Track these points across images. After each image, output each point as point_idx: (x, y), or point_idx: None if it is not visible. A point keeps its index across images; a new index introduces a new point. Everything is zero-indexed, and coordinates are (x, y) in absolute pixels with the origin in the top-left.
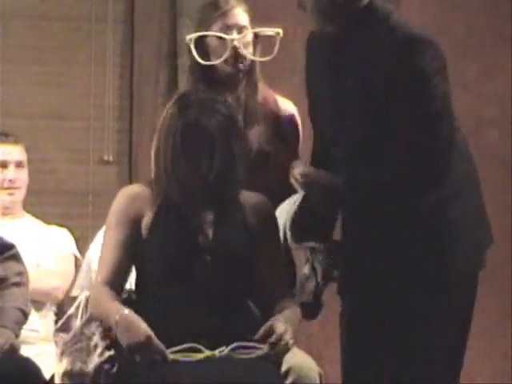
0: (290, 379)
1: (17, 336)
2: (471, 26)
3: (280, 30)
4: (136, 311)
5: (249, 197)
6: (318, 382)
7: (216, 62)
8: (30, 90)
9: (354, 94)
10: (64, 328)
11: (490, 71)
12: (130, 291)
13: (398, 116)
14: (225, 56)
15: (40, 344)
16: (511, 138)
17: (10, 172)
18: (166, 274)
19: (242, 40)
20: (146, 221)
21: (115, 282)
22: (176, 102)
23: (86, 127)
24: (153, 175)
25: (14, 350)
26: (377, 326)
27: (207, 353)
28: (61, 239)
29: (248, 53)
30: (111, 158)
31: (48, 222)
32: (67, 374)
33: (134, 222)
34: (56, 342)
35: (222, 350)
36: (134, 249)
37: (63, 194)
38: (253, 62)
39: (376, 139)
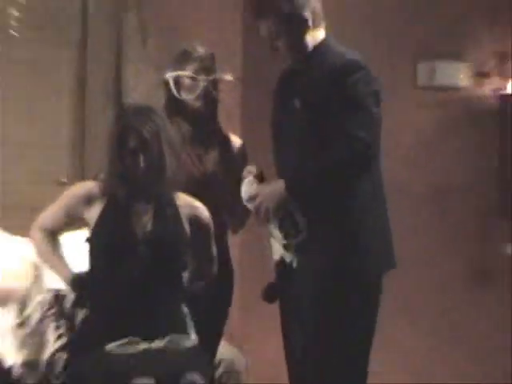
0: (220, 369)
1: None
2: (375, 44)
3: (239, 76)
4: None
5: (185, 199)
6: (244, 371)
7: (191, 97)
8: (1, 123)
9: (303, 110)
10: (23, 324)
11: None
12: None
13: (333, 127)
14: (197, 93)
15: (2, 336)
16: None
17: None
18: (106, 264)
19: (210, 81)
20: (93, 213)
21: (47, 228)
22: (117, 112)
23: (46, 154)
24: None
25: None
26: (300, 309)
27: (144, 345)
28: (23, 247)
29: (215, 92)
30: (66, 180)
31: (13, 233)
32: (25, 364)
33: (82, 201)
34: (15, 336)
35: (158, 343)
36: (71, 216)
37: (26, 209)
38: (216, 99)
39: (316, 144)
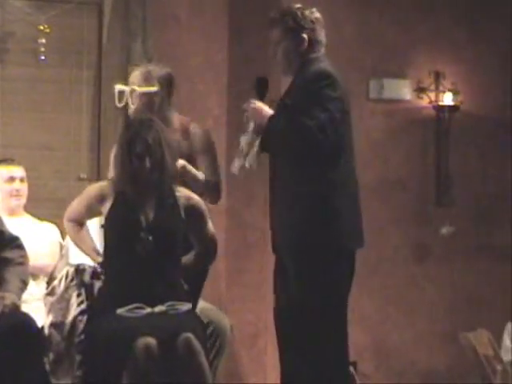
0: (210, 328)
1: (19, 298)
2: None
3: (155, 88)
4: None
5: (182, 191)
6: (229, 330)
7: (120, 105)
8: (31, 130)
9: (280, 109)
10: (51, 293)
11: None
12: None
13: (307, 111)
14: (123, 102)
15: (35, 303)
16: None
17: (16, 184)
18: (117, 246)
19: (134, 92)
20: (107, 206)
21: (73, 220)
22: (124, 123)
23: (68, 155)
24: (111, 176)
25: (17, 307)
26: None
27: (149, 310)
28: (50, 231)
29: (131, 100)
30: (85, 176)
31: (41, 219)
32: (53, 325)
33: (96, 200)
34: (45, 303)
35: (160, 308)
36: (89, 210)
37: (52, 200)
38: (161, 105)
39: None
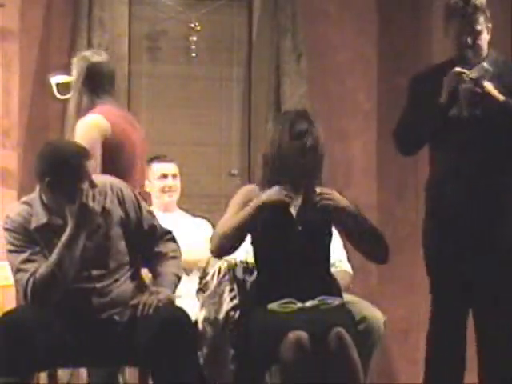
0: (363, 325)
1: (173, 292)
2: None
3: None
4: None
5: (322, 190)
6: (383, 326)
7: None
8: (183, 127)
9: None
10: (204, 288)
11: None
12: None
13: None
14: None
15: (188, 298)
16: None
17: (169, 181)
18: (269, 240)
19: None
20: None
21: None
22: (278, 117)
23: (219, 152)
24: (261, 178)
25: (171, 302)
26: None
27: (300, 305)
28: (203, 226)
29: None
30: (236, 172)
31: (193, 215)
32: (206, 320)
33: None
34: (198, 298)
35: (311, 302)
36: None
37: (204, 196)
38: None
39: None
